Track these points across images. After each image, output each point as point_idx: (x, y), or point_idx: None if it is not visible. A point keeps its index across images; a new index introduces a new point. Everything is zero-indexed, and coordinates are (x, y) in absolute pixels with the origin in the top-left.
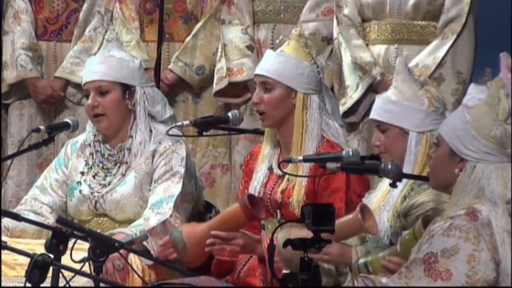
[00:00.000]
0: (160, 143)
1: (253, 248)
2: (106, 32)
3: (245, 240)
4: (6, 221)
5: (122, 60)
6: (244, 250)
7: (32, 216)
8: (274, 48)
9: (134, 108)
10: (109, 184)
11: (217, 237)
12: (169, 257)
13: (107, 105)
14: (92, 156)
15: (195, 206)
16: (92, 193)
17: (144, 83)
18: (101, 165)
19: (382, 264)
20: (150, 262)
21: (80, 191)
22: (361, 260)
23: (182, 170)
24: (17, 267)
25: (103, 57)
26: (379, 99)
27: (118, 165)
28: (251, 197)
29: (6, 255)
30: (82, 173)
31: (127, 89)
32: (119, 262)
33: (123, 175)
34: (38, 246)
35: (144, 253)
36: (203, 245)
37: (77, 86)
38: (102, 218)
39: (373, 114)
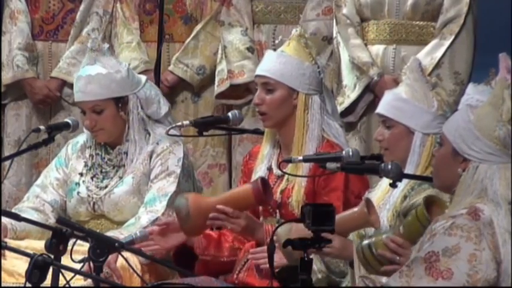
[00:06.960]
0: (158, 143)
1: (253, 232)
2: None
3: (247, 222)
4: (14, 223)
5: (109, 75)
6: (245, 232)
7: (34, 214)
8: (274, 49)
9: (128, 117)
10: (106, 187)
11: (222, 212)
12: (151, 247)
13: (104, 123)
14: (92, 158)
15: None
16: (89, 195)
17: (135, 88)
18: (99, 168)
19: (383, 242)
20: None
21: (78, 193)
22: (365, 242)
23: (178, 170)
24: (15, 274)
25: (90, 77)
26: (389, 95)
27: (116, 168)
28: (263, 180)
29: (5, 261)
30: (81, 174)
31: (120, 100)
32: (107, 270)
33: (121, 178)
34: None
35: (144, 253)
36: (206, 217)
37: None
38: (100, 220)
39: (380, 109)
